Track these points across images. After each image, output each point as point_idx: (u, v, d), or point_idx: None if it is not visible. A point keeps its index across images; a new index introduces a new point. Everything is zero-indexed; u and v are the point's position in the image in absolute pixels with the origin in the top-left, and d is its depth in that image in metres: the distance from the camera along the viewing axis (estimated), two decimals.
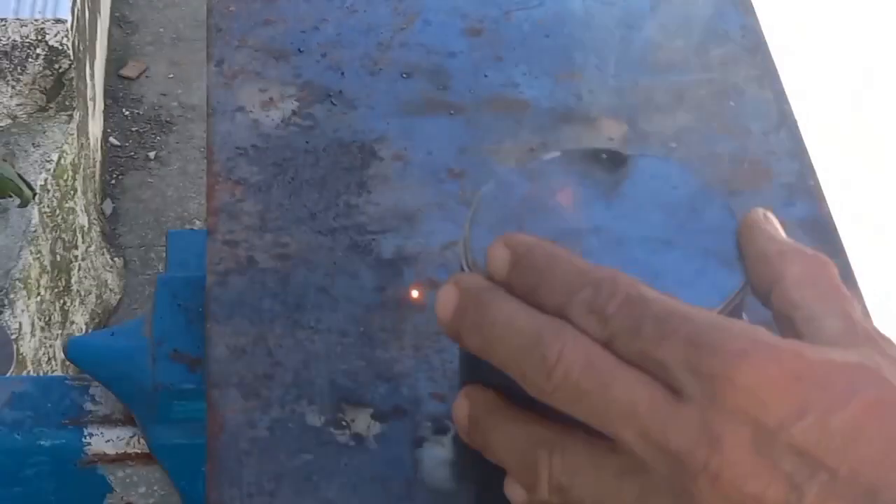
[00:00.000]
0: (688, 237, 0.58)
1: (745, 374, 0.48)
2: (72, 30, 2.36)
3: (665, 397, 0.50)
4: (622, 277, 0.52)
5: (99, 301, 2.46)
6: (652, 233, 0.58)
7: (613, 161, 0.61)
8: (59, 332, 2.26)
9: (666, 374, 0.50)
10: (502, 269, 0.54)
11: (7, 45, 2.31)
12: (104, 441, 0.86)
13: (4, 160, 2.14)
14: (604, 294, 0.52)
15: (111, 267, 2.55)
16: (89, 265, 2.44)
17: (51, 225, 2.26)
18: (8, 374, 1.83)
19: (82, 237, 2.42)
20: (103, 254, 2.53)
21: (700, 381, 0.49)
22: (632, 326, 0.51)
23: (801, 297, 0.55)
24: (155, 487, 0.87)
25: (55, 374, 2.18)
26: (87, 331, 2.37)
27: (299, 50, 0.87)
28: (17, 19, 2.31)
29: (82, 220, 2.43)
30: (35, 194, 1.87)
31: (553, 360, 0.51)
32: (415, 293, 0.72)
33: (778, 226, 0.58)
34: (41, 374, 2.13)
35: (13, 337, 2.00)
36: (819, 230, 0.77)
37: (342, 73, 0.85)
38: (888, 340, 0.53)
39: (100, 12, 2.83)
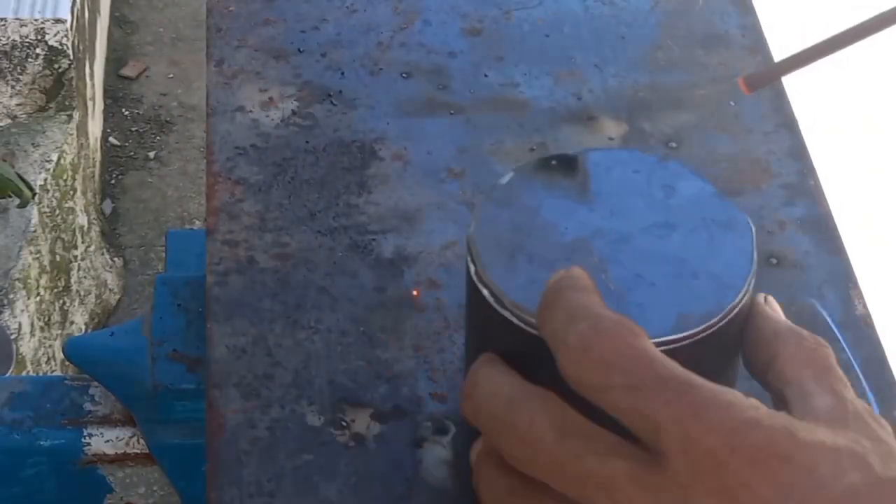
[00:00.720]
0: (677, 213, 0.59)
1: (739, 455, 0.48)
2: (71, 30, 2.36)
3: (643, 468, 0.49)
4: (626, 323, 0.51)
5: (98, 301, 2.46)
6: (645, 220, 0.58)
7: (564, 164, 0.61)
8: (59, 332, 2.26)
9: (656, 438, 0.49)
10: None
11: (7, 45, 2.31)
12: (104, 441, 0.86)
13: (4, 160, 2.14)
14: (604, 335, 0.50)
15: (111, 267, 2.54)
16: (89, 265, 2.44)
17: (50, 225, 2.26)
18: (7, 374, 1.83)
19: (82, 237, 2.41)
20: (103, 254, 2.53)
21: (690, 455, 0.48)
22: (633, 382, 0.49)
23: (795, 375, 0.54)
24: (154, 487, 0.87)
25: (55, 374, 2.18)
26: (86, 331, 2.37)
27: (299, 50, 0.87)
28: (17, 19, 2.31)
29: (82, 219, 2.43)
30: (35, 194, 1.87)
31: (525, 428, 0.50)
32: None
33: (777, 308, 0.58)
34: (41, 374, 2.12)
35: (13, 337, 2.00)
36: (819, 230, 0.77)
37: (342, 73, 0.85)
38: (878, 420, 0.52)
39: (100, 12, 2.83)
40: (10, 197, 1.71)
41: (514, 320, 0.56)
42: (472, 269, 0.57)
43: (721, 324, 0.55)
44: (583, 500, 0.50)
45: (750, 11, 0.91)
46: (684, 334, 0.54)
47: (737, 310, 0.56)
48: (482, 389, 0.52)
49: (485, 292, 0.56)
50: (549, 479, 0.50)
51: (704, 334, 0.55)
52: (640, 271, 0.57)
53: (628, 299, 0.55)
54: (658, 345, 0.53)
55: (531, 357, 0.55)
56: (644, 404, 0.48)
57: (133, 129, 2.87)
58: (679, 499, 0.48)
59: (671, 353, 0.53)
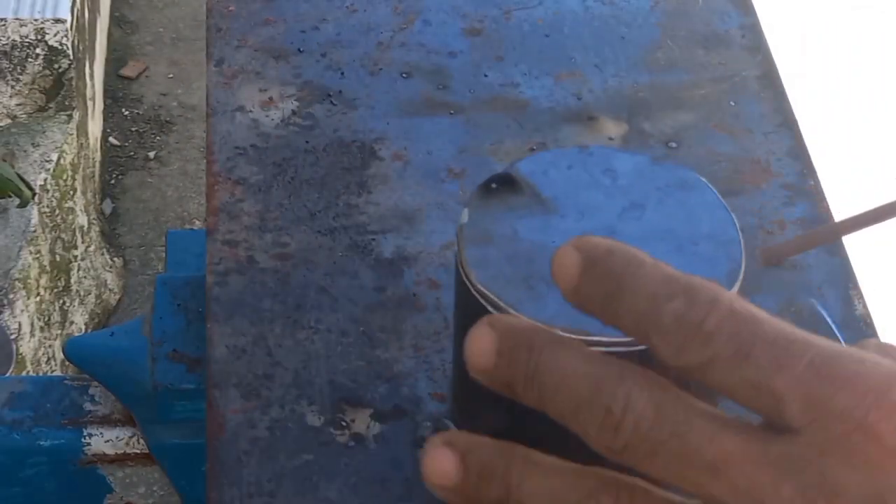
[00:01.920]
0: (635, 192, 0.59)
1: (883, 416, 0.40)
2: (71, 30, 2.36)
3: (761, 444, 0.42)
4: (721, 288, 0.43)
5: (98, 301, 2.46)
6: (615, 209, 0.59)
7: (504, 183, 0.61)
8: (59, 332, 2.26)
9: (777, 410, 0.42)
10: (571, 277, 0.45)
11: (7, 45, 2.31)
12: (104, 441, 0.86)
13: (4, 160, 2.13)
14: (701, 305, 0.43)
15: (111, 267, 2.54)
16: (89, 265, 2.44)
17: (50, 225, 2.26)
18: (8, 374, 1.83)
19: (82, 237, 2.41)
20: (103, 254, 2.53)
21: (820, 420, 0.41)
22: (740, 349, 0.42)
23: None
24: (154, 488, 0.87)
25: (55, 374, 2.18)
26: (86, 331, 2.37)
27: (299, 50, 0.86)
28: (17, 19, 2.31)
29: (82, 219, 2.42)
30: (34, 194, 1.87)
31: (619, 412, 0.43)
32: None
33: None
34: (41, 374, 2.12)
35: (13, 337, 2.00)
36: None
37: (342, 73, 0.85)
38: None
39: (100, 12, 2.83)
40: (10, 197, 1.71)
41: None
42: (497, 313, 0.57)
43: (742, 276, 0.56)
44: (689, 487, 0.43)
45: (750, 11, 0.91)
46: None
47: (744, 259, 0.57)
48: (556, 368, 0.45)
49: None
50: (649, 465, 0.43)
51: (738, 292, 0.56)
52: None
53: None
54: None
55: None
56: (756, 374, 0.42)
57: (133, 129, 2.87)
58: (812, 474, 0.41)
59: None
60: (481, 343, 0.46)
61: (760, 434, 0.42)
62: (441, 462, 0.46)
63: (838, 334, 0.71)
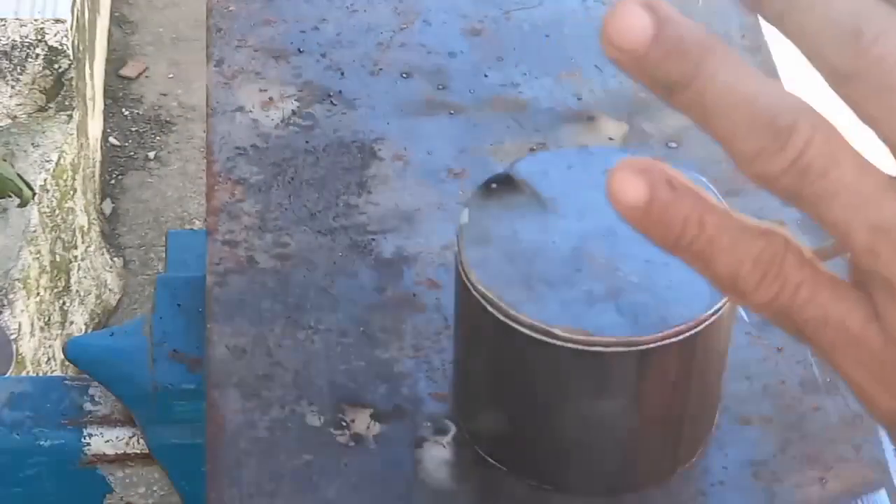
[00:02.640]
0: None
1: None
2: (71, 30, 2.36)
3: None
4: None
5: (98, 301, 2.46)
6: (613, 209, 0.59)
7: (504, 183, 0.61)
8: (59, 332, 2.26)
9: None
10: None
11: (7, 45, 2.31)
12: (104, 441, 0.86)
13: (4, 160, 2.14)
14: None
15: (111, 267, 2.54)
16: (89, 265, 2.44)
17: (50, 225, 2.26)
18: (7, 375, 1.83)
19: (82, 237, 2.41)
20: (103, 254, 2.53)
21: None
22: None
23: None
24: (155, 488, 0.87)
25: (55, 374, 2.18)
26: (86, 331, 2.37)
27: (299, 50, 0.86)
28: (17, 19, 2.31)
29: (82, 220, 2.43)
30: (34, 194, 1.87)
31: (872, 36, 0.39)
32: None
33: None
34: (41, 374, 2.12)
35: (13, 337, 2.00)
36: (819, 230, 0.77)
37: (342, 73, 0.85)
38: None
39: (100, 12, 2.83)
40: (10, 197, 1.71)
41: (578, 347, 0.55)
42: (500, 316, 0.57)
43: None
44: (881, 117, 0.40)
45: None
46: None
47: None
48: (724, 84, 0.40)
49: (533, 335, 0.56)
50: (875, 101, 0.40)
51: None
52: (646, 257, 0.57)
53: (656, 285, 0.55)
54: (716, 311, 0.53)
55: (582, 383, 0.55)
56: None
57: (133, 129, 2.87)
58: None
59: (719, 319, 0.53)
60: (631, 20, 0.40)
61: None
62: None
63: None
